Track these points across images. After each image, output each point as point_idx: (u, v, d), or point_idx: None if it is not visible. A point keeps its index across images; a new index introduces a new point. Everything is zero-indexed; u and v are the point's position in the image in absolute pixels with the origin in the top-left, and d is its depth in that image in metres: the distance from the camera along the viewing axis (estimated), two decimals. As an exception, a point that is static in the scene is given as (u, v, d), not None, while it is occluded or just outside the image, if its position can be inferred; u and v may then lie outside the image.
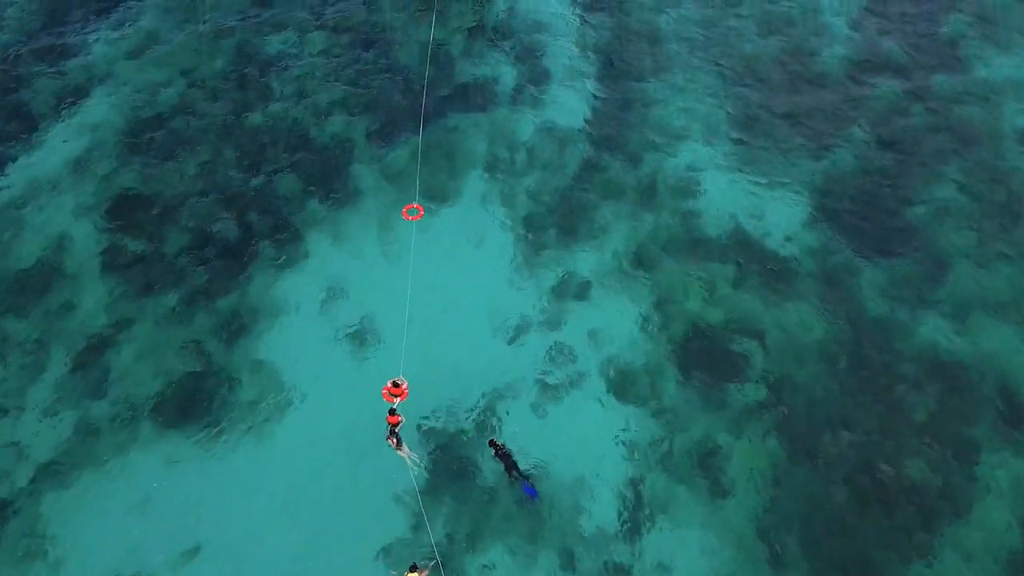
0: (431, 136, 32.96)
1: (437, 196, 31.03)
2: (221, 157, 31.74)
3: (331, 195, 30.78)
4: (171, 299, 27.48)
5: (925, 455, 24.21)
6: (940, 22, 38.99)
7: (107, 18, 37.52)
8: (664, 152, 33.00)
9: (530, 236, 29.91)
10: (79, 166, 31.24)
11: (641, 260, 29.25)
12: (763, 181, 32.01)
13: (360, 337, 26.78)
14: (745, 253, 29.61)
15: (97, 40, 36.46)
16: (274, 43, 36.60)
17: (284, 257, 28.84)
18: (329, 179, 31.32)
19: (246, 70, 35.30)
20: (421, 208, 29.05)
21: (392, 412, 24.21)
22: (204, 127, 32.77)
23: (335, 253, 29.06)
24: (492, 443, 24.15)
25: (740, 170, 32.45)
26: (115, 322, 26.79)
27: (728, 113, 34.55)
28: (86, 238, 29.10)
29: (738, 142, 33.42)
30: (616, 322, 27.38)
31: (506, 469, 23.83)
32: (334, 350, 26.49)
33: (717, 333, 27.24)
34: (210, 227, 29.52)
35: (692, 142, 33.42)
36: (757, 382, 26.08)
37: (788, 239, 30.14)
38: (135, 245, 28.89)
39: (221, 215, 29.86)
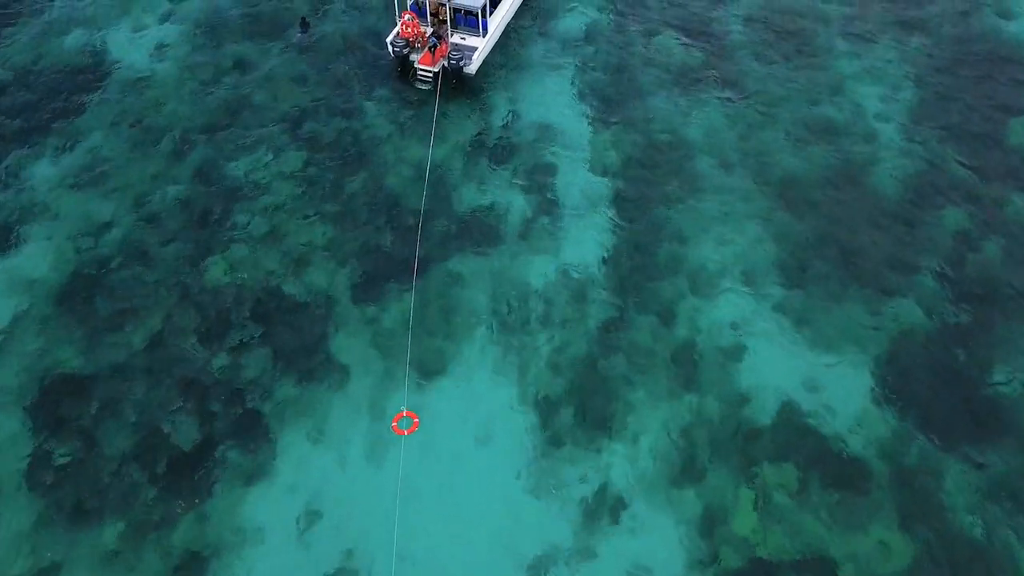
0: (427, 286, 27.97)
1: (434, 369, 26.03)
2: (175, 324, 26.57)
3: (308, 375, 25.68)
4: (110, 531, 22.31)
5: None
6: (1002, 126, 34.28)
7: (48, 133, 32.26)
8: (700, 304, 28.09)
9: (549, 427, 24.92)
10: (4, 338, 25.98)
11: (683, 461, 24.31)
12: (818, 342, 27.17)
13: (343, 581, 21.74)
14: (804, 447, 24.73)
15: (36, 161, 31.26)
16: (242, 163, 31.43)
17: (251, 465, 23.71)
18: (306, 352, 26.21)
19: (208, 201, 30.13)
20: (415, 417, 24.03)
21: None
22: (156, 282, 27.58)
23: (312, 458, 23.96)
24: None
25: (790, 328, 27.59)
26: (37, 569, 21.56)
27: (772, 251, 29.66)
28: (6, 442, 23.87)
29: (786, 289, 28.56)
30: (658, 555, 22.41)
31: None
32: (311, 601, 21.42)
33: (779, 568, 22.30)
34: (161, 424, 24.37)
35: (732, 290, 28.52)
36: (834, 641, 21.20)
37: (853, 425, 25.27)
38: (67, 451, 23.71)
39: (175, 407, 24.71)
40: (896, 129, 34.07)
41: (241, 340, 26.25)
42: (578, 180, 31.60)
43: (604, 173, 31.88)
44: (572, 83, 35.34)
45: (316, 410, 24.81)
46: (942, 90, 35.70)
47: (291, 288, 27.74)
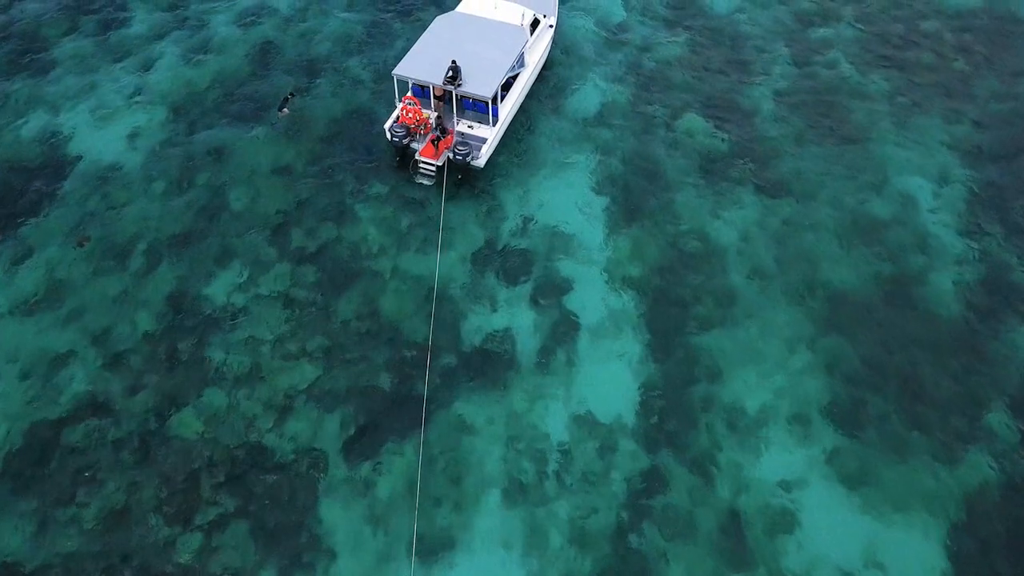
0: (431, 438, 24.38)
1: (440, 551, 22.39)
2: (137, 496, 22.85)
3: (292, 560, 21.95)
4: None
5: None
6: (1070, 223, 30.79)
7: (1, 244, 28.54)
8: (743, 456, 24.55)
9: (574, 625, 21.32)
10: (-64, 519, 22.27)
11: (733, 670, 20.74)
12: (880, 504, 23.69)
13: None
14: (874, 645, 21.20)
15: (-18, 281, 27.47)
16: (217, 284, 27.68)
17: None
18: (289, 529, 22.53)
19: (178, 333, 26.39)
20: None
21: None
22: (116, 441, 23.85)
23: (298, 672, 20.29)
24: None
25: (847, 486, 24.10)
26: None
27: (820, 386, 26.12)
28: (-63, 656, 20.17)
29: (839, 436, 25.07)
30: None
31: None
32: None
33: None
34: (118, 631, 20.65)
35: (778, 437, 25.00)
36: None
37: (929, 613, 21.76)
38: (7, 672, 19.97)
39: (134, 608, 21.00)
40: (950, 227, 30.56)
41: (213, 515, 22.50)
42: (598, 299, 27.97)
43: (627, 289, 28.25)
44: (588, 175, 31.70)
45: (302, 611, 21.14)
46: (998, 178, 32.23)
47: (273, 444, 24.03)
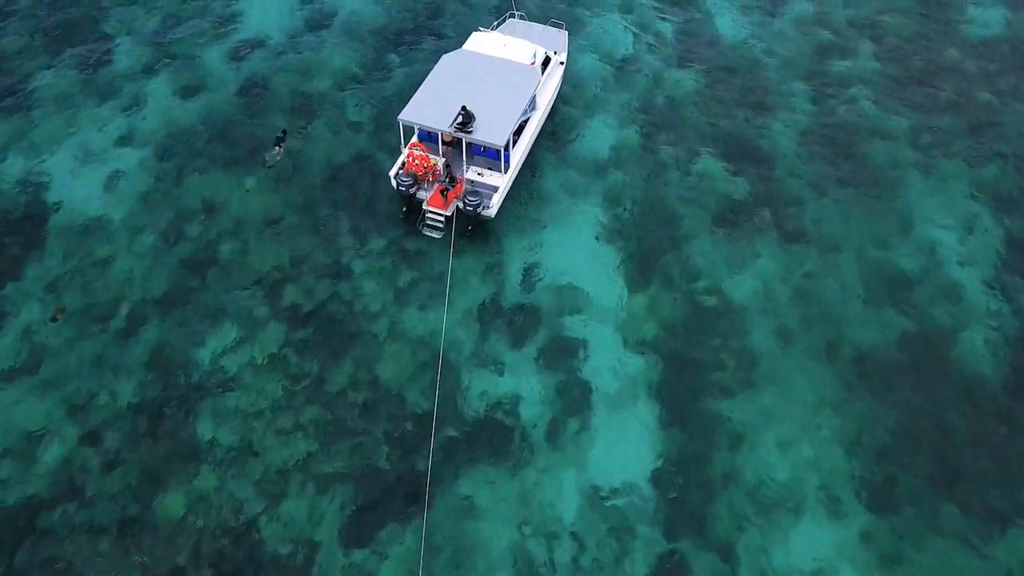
0: (435, 520, 22.70)
1: (445, 649, 20.70)
2: (118, 591, 21.16)
3: (285, 664, 20.32)
4: None
5: None
6: (1104, 273, 29.20)
7: (-27, 306, 26.81)
8: (767, 539, 22.95)
9: None
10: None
11: None
12: (918, 592, 22.04)
13: None
14: None
15: (-44, 345, 25.78)
16: (206, 349, 25.99)
17: None
18: (282, 628, 20.84)
19: (163, 403, 24.72)
20: None
21: None
22: (95, 529, 22.13)
23: None
24: None
25: (878, 570, 22.42)
26: None
27: (849, 458, 24.51)
28: None
29: (868, 513, 23.48)
30: None
31: None
32: None
33: None
34: None
35: (804, 516, 23.48)
36: None
37: None
38: None
39: None
40: (980, 280, 28.99)
41: (200, 614, 20.83)
42: (611, 362, 26.33)
43: (641, 351, 26.61)
44: (599, 226, 30.07)
45: None
46: (1029, 225, 30.68)
47: (264, 529, 22.35)
